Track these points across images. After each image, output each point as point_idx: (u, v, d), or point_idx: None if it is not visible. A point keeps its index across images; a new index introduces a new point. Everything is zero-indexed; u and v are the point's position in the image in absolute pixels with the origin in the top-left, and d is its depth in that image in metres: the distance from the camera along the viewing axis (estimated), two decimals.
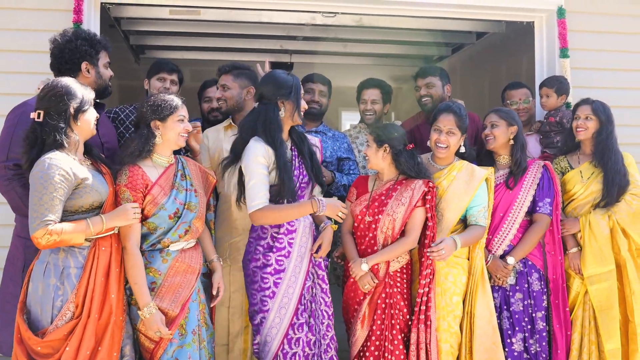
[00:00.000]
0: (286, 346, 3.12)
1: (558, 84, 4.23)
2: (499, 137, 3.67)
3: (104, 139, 3.30)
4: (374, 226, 3.38)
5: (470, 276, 3.54)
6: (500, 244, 3.62)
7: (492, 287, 3.57)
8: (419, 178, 3.44)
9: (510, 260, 3.55)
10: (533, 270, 3.62)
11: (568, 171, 3.84)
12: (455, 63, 7.37)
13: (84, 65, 3.24)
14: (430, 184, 3.43)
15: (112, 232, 2.81)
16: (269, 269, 3.18)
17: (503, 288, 3.60)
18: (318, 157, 3.42)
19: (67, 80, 2.84)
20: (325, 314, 3.29)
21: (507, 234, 3.63)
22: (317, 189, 3.42)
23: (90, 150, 2.94)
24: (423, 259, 3.39)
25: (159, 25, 5.47)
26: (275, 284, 3.16)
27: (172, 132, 3.00)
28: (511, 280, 3.60)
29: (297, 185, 3.22)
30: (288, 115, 3.24)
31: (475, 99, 7.02)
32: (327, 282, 3.34)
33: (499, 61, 6.51)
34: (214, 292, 3.12)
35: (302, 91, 3.33)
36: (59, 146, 2.72)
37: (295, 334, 3.14)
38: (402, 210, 3.37)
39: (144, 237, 2.91)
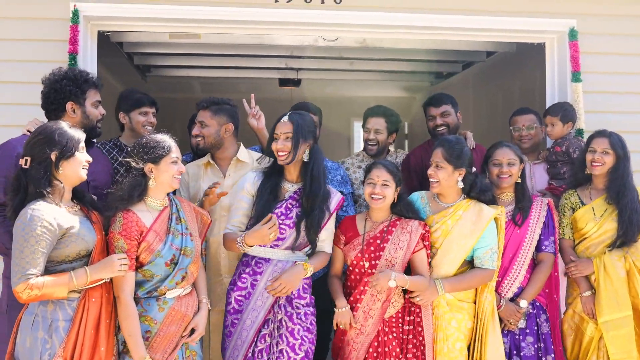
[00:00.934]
0: None
1: (563, 112, 4.06)
2: (515, 175, 3.52)
3: (91, 177, 3.19)
4: (370, 271, 3.24)
5: (477, 321, 3.38)
6: (511, 286, 3.45)
7: (501, 332, 3.40)
8: (413, 218, 3.31)
9: (523, 304, 3.38)
10: (541, 312, 3.47)
11: (579, 207, 3.65)
12: (466, 79, 7.21)
13: (69, 105, 3.19)
14: (427, 228, 3.31)
15: (102, 281, 2.72)
16: (229, 307, 3.15)
17: (512, 332, 3.42)
18: (331, 210, 3.25)
19: (52, 126, 2.76)
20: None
21: (517, 276, 3.46)
22: (324, 245, 3.29)
23: (82, 197, 2.86)
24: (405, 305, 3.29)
25: (162, 47, 5.40)
26: (233, 324, 3.12)
27: (165, 175, 2.91)
28: (521, 323, 3.43)
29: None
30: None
31: (489, 115, 6.86)
32: (299, 335, 3.15)
33: (511, 77, 6.33)
34: (186, 333, 2.93)
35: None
36: (41, 196, 2.64)
37: None
38: (400, 255, 3.24)
39: (139, 284, 2.82)
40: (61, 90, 3.17)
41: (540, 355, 3.41)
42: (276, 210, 3.12)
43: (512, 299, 3.44)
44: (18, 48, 3.87)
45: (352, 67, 6.18)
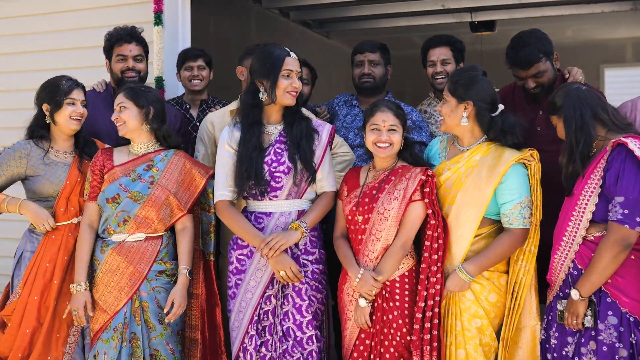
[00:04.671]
0: (241, 354, 2.85)
1: None
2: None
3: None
4: (363, 227, 2.79)
5: (509, 296, 2.71)
6: (562, 265, 2.60)
7: (567, 330, 2.57)
8: (419, 165, 2.75)
9: (575, 294, 2.50)
10: (610, 312, 2.48)
11: None
12: None
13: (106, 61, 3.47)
14: (429, 172, 2.72)
15: (69, 222, 2.99)
16: (231, 267, 2.93)
17: (580, 331, 2.54)
18: (323, 142, 2.92)
19: (49, 81, 3.10)
20: (291, 332, 2.83)
21: (569, 251, 2.57)
22: (324, 184, 2.95)
23: (85, 145, 3.15)
24: (423, 266, 2.71)
25: None
26: (236, 285, 2.89)
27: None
28: (588, 321, 2.51)
29: (267, 173, 2.84)
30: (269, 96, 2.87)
31: None
32: (307, 295, 2.84)
33: None
34: (166, 309, 2.89)
35: (290, 67, 2.83)
36: (33, 136, 3.06)
37: (249, 345, 2.83)
38: (395, 207, 2.72)
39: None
40: (104, 49, 3.47)
41: None
42: (266, 159, 2.86)
43: (573, 284, 2.58)
44: (107, 14, 4.22)
45: None
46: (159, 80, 4.07)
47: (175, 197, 2.97)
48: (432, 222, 2.68)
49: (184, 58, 3.83)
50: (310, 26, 6.35)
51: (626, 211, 2.41)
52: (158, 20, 4.08)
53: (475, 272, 2.67)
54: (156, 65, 4.08)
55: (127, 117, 2.94)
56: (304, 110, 3.28)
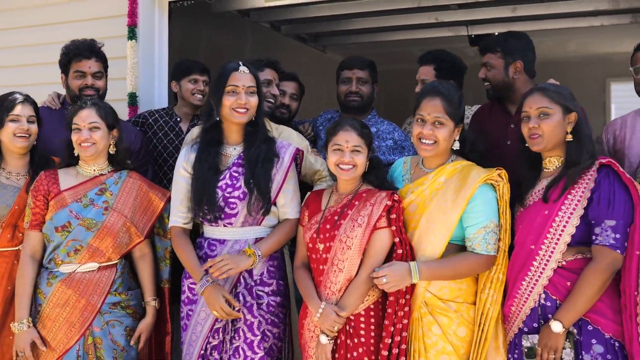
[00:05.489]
0: None
1: None
2: (551, 132, 2.46)
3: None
4: (324, 256, 2.58)
5: (477, 328, 2.48)
6: (531, 292, 2.41)
7: None
8: (387, 188, 2.54)
9: (556, 326, 2.31)
10: (593, 340, 2.32)
11: None
12: None
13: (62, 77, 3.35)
14: (395, 197, 2.50)
15: (15, 248, 2.80)
16: (183, 297, 2.76)
17: None
18: (284, 166, 2.74)
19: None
20: None
21: (540, 277, 2.40)
22: (287, 210, 2.77)
23: (42, 164, 2.94)
24: (391, 299, 2.49)
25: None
26: (188, 316, 2.72)
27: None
28: (567, 354, 2.32)
29: (221, 198, 2.65)
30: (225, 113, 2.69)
31: None
32: (260, 330, 2.66)
33: None
34: (132, 342, 2.76)
35: (236, 82, 2.64)
36: None
37: None
38: (358, 235, 2.51)
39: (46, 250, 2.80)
40: (60, 62, 3.29)
41: None
42: (220, 183, 2.68)
43: (544, 317, 2.40)
44: (80, 28, 4.06)
45: (515, 14, 5.00)
46: (132, 97, 3.94)
47: (132, 223, 2.80)
48: (399, 251, 2.48)
49: (190, 70, 3.64)
50: (305, 40, 6.19)
51: (618, 235, 2.29)
52: (132, 34, 3.96)
53: (425, 276, 2.44)
54: (129, 80, 3.95)
55: (99, 137, 2.77)
56: (283, 128, 3.11)
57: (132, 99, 3.93)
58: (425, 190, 2.54)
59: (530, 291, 2.40)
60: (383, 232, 2.50)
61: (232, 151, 2.74)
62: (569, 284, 2.35)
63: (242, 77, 2.66)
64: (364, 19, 5.51)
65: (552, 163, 2.50)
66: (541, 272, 2.39)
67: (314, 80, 5.96)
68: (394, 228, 2.49)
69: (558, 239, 2.36)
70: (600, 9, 4.87)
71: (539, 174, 2.53)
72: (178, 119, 3.64)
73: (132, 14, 3.96)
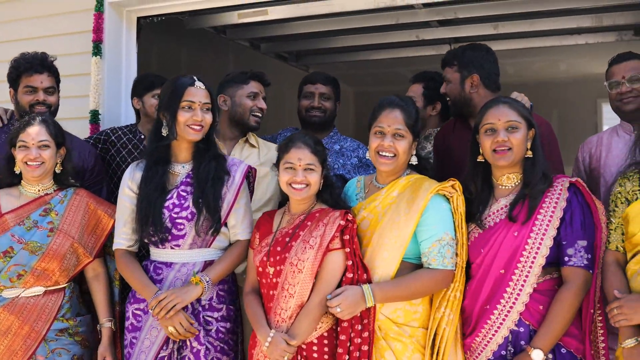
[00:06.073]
0: None
1: None
2: (519, 147, 2.34)
3: None
4: (275, 280, 2.42)
5: (427, 350, 2.32)
6: (505, 319, 2.27)
7: None
8: (339, 208, 2.40)
9: (537, 355, 2.20)
10: None
11: (636, 198, 2.20)
12: None
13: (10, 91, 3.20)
14: (349, 217, 2.34)
15: None
16: (127, 323, 2.59)
17: None
18: (236, 184, 2.60)
19: None
20: None
21: (515, 303, 2.26)
22: (237, 231, 2.63)
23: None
24: (345, 325, 2.33)
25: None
26: (131, 344, 2.55)
27: None
28: None
29: (167, 219, 2.50)
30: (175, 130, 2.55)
31: None
32: (208, 357, 2.50)
33: None
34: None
35: (192, 97, 2.53)
36: None
37: None
38: (310, 257, 2.36)
39: None
40: (9, 76, 3.15)
41: None
42: (167, 203, 2.54)
43: (515, 344, 2.24)
44: (44, 43, 3.95)
45: (497, 32, 4.89)
46: (95, 114, 3.81)
47: (80, 244, 2.66)
48: (350, 275, 2.32)
49: (153, 85, 3.49)
50: (286, 59, 6.07)
51: (589, 256, 2.22)
52: (97, 50, 3.85)
53: (380, 299, 2.29)
54: (92, 98, 3.82)
55: (49, 156, 2.64)
56: (272, 145, 3.05)
57: (94, 117, 3.80)
58: (378, 206, 2.41)
59: (504, 319, 2.26)
60: (336, 254, 2.35)
61: (181, 169, 2.61)
62: (541, 307, 2.25)
63: (197, 93, 2.56)
64: (344, 37, 5.39)
65: (511, 180, 2.38)
66: (516, 298, 2.26)
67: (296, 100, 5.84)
68: (347, 250, 2.34)
69: (532, 262, 2.25)
70: (583, 26, 4.75)
71: (491, 191, 2.39)
72: (142, 136, 3.50)
73: (98, 29, 3.85)
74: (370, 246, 2.37)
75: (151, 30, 4.35)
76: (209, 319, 2.54)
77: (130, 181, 2.58)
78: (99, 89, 3.82)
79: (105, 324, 2.70)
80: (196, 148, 2.60)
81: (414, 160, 2.45)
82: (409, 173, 2.47)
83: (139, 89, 3.55)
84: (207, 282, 2.47)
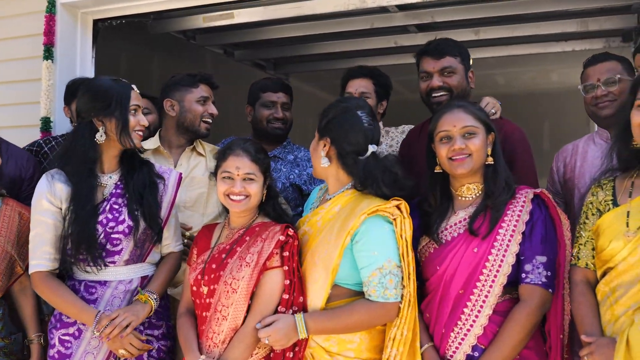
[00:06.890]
0: None
1: None
2: (478, 153, 2.11)
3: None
4: (208, 301, 2.18)
5: None
6: (460, 343, 2.04)
7: None
8: (283, 222, 2.16)
9: None
10: None
11: (609, 209, 1.97)
12: None
13: None
14: (290, 232, 2.11)
15: None
16: (52, 352, 2.32)
17: None
18: (170, 192, 2.41)
19: None
20: None
21: (473, 325, 2.03)
22: (170, 242, 2.45)
23: None
24: (278, 351, 2.10)
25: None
26: None
27: None
28: None
29: (102, 235, 2.26)
30: (112, 138, 2.31)
31: None
32: None
33: None
34: None
35: (136, 101, 2.34)
36: None
37: None
38: (246, 275, 2.12)
39: None
40: None
41: None
42: (100, 218, 2.30)
43: None
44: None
45: (479, 37, 4.68)
46: (46, 122, 3.58)
47: (17, 255, 2.50)
48: (286, 296, 2.08)
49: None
50: (264, 68, 5.86)
51: (549, 273, 2.00)
52: (48, 54, 3.62)
53: (313, 330, 2.04)
54: (43, 104, 3.60)
55: None
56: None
57: (46, 124, 3.57)
58: (319, 221, 2.16)
59: (460, 343, 2.03)
60: (274, 272, 2.11)
61: (108, 180, 2.37)
62: (498, 329, 2.01)
63: (138, 97, 2.38)
64: (320, 44, 5.18)
65: (471, 191, 2.15)
66: (474, 321, 2.03)
67: None
68: (286, 268, 2.10)
69: (493, 281, 2.02)
70: (568, 31, 4.55)
71: (450, 204, 2.15)
72: None
73: (49, 32, 3.63)
74: (304, 265, 2.14)
75: (117, 36, 4.15)
76: (150, 337, 2.34)
77: (50, 194, 2.29)
78: (50, 95, 3.61)
79: (35, 341, 2.52)
80: (123, 155, 2.38)
81: (325, 163, 2.16)
82: (351, 185, 2.18)
83: (68, 97, 3.31)
84: (155, 299, 2.28)
